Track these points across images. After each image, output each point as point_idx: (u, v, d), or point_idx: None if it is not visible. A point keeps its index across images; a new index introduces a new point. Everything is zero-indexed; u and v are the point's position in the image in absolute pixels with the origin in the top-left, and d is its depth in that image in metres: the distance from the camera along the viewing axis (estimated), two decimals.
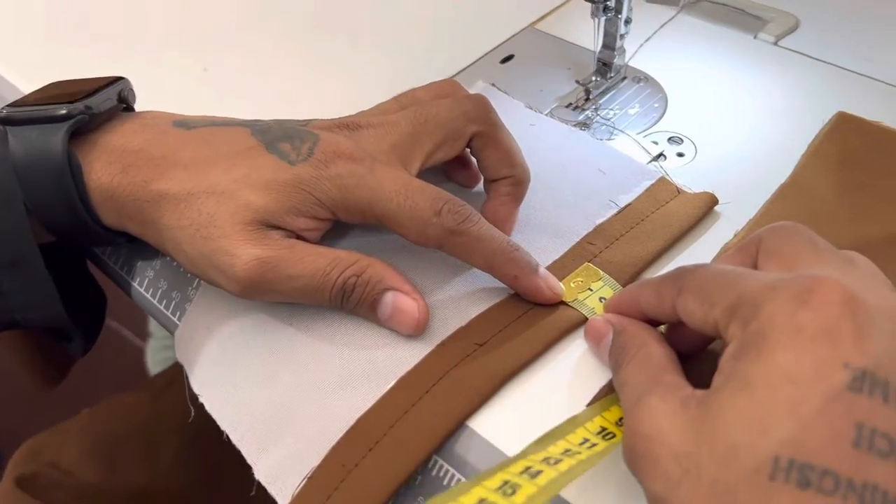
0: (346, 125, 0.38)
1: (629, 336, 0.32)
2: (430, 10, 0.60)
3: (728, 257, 0.32)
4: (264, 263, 0.34)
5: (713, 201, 0.41)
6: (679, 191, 0.42)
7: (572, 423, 0.30)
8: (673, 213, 0.40)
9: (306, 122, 0.39)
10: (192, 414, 0.38)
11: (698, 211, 0.40)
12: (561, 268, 0.38)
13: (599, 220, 0.40)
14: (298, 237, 0.36)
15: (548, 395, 0.34)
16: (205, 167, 0.36)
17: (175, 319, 0.41)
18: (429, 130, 0.38)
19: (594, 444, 0.29)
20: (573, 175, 0.43)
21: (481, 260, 0.36)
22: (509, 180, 0.39)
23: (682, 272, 0.30)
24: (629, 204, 0.41)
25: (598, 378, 0.34)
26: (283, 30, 0.58)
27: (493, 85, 0.50)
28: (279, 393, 0.36)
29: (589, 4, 0.46)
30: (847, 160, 0.44)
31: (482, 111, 0.38)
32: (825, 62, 0.52)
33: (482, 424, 0.33)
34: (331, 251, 0.36)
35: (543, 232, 0.40)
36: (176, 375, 0.70)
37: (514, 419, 0.33)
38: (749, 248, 0.31)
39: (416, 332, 0.35)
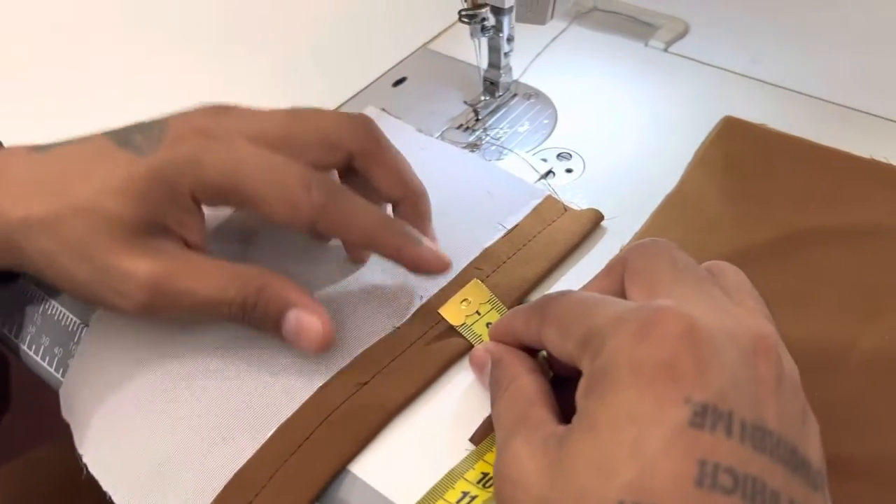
0: (214, 106, 0.36)
1: (503, 367, 0.31)
2: (321, 35, 0.59)
3: (597, 280, 0.31)
4: (161, 277, 0.32)
5: (598, 217, 0.41)
6: (566, 208, 0.41)
7: (450, 479, 0.30)
8: (559, 231, 0.40)
9: None
10: (84, 473, 0.37)
11: (584, 228, 0.40)
12: (448, 295, 0.38)
13: (487, 244, 0.40)
14: (184, 240, 0.34)
15: (433, 432, 0.33)
16: (63, 184, 0.33)
17: (59, 376, 0.40)
18: (304, 129, 0.35)
19: (473, 498, 0.29)
20: (462, 199, 0.43)
21: (360, 234, 0.34)
22: (407, 202, 0.37)
23: (546, 301, 0.30)
24: (516, 225, 0.41)
25: (483, 410, 0.33)
26: (169, 61, 0.57)
27: (384, 110, 0.49)
28: (159, 451, 0.34)
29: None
30: (732, 165, 0.44)
31: (364, 129, 0.36)
32: (714, 66, 0.52)
33: (364, 468, 0.32)
34: (231, 265, 0.34)
35: None
36: None
37: (398, 460, 0.32)
38: (616, 269, 0.30)
39: (323, 349, 0.34)
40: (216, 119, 0.35)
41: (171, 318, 0.35)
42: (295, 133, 0.35)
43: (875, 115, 0.47)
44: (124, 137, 0.34)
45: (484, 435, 0.32)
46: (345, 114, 0.37)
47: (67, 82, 0.55)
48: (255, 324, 0.34)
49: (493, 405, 0.31)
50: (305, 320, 0.34)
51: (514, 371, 0.31)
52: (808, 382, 0.34)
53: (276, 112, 0.36)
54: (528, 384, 0.30)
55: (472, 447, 0.32)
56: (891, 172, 0.42)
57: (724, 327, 0.25)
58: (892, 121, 0.46)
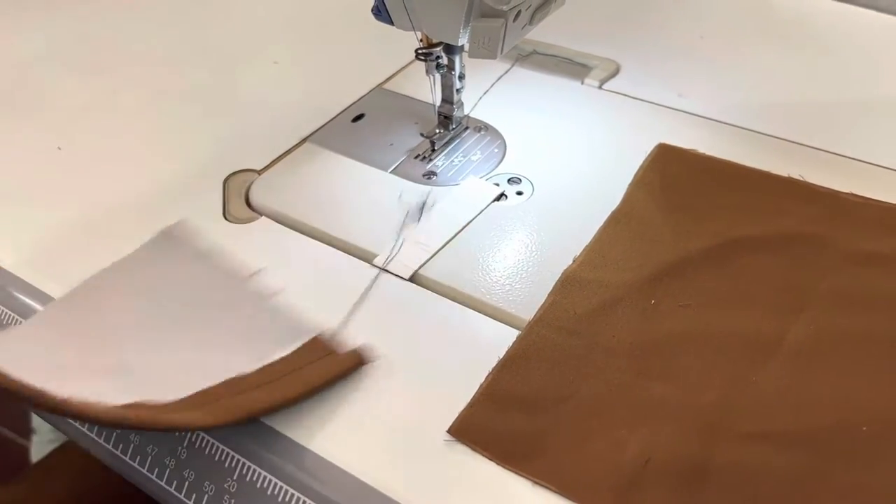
0: None
1: None
2: (280, 76, 0.62)
3: None
4: None
5: (361, 361, 0.40)
6: (331, 351, 0.40)
7: None
8: (313, 372, 0.39)
9: None
10: None
11: (340, 368, 0.39)
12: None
13: (243, 370, 0.39)
14: None
15: (411, 420, 0.36)
16: None
17: (171, 490, 0.39)
18: None
19: None
20: (232, 328, 0.42)
21: None
22: None
23: None
24: (278, 359, 0.39)
25: (465, 398, 0.36)
26: (134, 106, 0.59)
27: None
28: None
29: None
30: (669, 186, 0.49)
31: None
32: (644, 101, 0.57)
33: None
34: None
35: None
36: (55, 463, 0.67)
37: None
38: None
39: None
40: None
41: None
42: None
43: (785, 140, 0.53)
44: None
45: (463, 427, 0.35)
46: None
47: None
48: None
49: None
50: None
51: None
52: (745, 368, 0.38)
53: None
54: None
55: (451, 439, 0.35)
56: (805, 188, 0.48)
57: None
58: (799, 144, 0.52)
